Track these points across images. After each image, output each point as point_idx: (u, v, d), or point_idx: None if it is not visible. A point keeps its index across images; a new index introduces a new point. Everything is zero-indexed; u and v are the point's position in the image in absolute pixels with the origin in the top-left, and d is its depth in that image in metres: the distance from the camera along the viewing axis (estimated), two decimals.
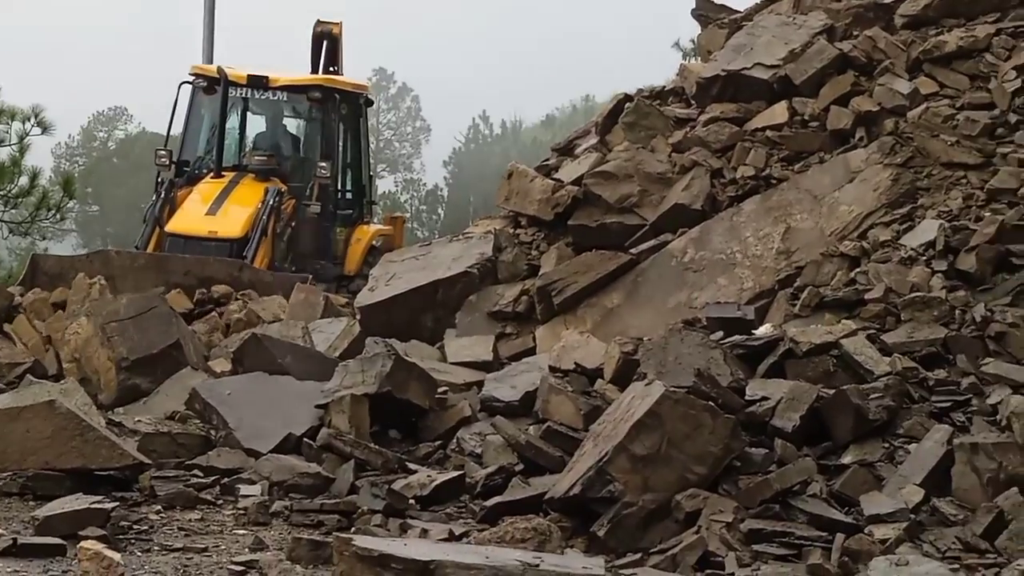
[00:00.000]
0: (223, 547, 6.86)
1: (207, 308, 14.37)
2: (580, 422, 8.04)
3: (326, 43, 19.96)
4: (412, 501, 7.59)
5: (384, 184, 70.64)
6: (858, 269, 9.48)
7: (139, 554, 6.64)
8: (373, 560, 5.66)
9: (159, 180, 18.10)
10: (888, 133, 10.50)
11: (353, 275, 18.06)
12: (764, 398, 7.55)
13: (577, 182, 11.42)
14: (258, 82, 18.69)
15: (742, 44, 11.86)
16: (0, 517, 7.20)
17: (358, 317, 11.55)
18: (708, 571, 6.40)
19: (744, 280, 10.25)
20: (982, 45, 10.66)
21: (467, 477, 7.90)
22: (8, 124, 20.20)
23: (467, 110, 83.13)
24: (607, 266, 10.78)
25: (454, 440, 8.64)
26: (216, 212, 17.17)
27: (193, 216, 17.21)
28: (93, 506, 6.91)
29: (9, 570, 6.19)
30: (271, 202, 17.13)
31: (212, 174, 17.95)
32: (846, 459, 7.29)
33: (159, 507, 7.56)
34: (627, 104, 12.05)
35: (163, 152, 18.26)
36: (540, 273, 11.13)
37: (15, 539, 6.49)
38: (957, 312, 8.63)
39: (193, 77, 18.88)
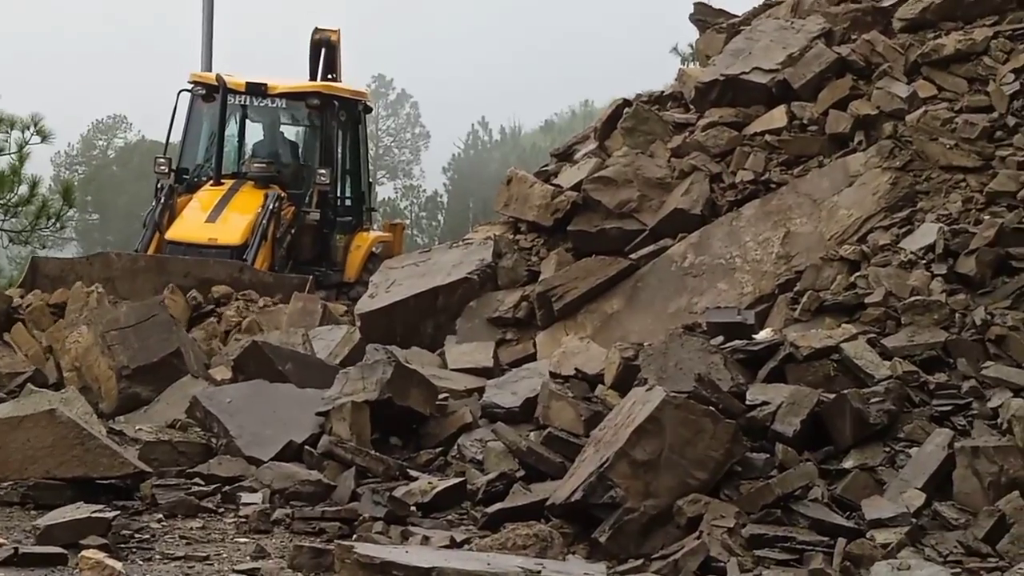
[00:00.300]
0: (225, 555, 6.85)
1: (207, 310, 14.38)
2: (581, 428, 8.03)
3: (324, 50, 19.99)
4: (413, 508, 7.58)
5: (384, 191, 70.74)
6: (858, 273, 9.47)
7: (140, 563, 6.64)
8: (375, 567, 5.66)
9: (159, 185, 18.11)
10: (887, 137, 10.50)
11: (353, 282, 18.08)
12: (765, 403, 7.55)
13: (576, 187, 11.43)
14: (257, 89, 18.71)
15: (740, 48, 11.87)
16: (1, 527, 7.20)
17: (358, 324, 11.55)
18: None
19: (744, 285, 10.25)
20: (980, 48, 10.68)
21: (468, 484, 7.89)
22: (7, 133, 20.20)
23: (466, 116, 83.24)
24: (607, 272, 10.78)
25: (455, 447, 8.63)
26: (216, 219, 17.18)
27: (193, 224, 17.21)
28: (94, 515, 6.90)
29: None
30: (271, 207, 17.15)
31: (211, 182, 17.97)
32: (847, 463, 7.29)
33: (160, 515, 7.55)
34: (626, 109, 12.06)
35: (162, 160, 18.29)
36: (540, 279, 11.14)
37: (16, 548, 6.48)
38: (957, 316, 8.62)
39: (192, 85, 18.90)
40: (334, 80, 19.79)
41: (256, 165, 18.17)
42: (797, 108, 11.15)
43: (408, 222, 55.87)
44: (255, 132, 19.53)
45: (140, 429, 9.39)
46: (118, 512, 7.24)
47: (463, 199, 70.94)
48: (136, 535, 7.06)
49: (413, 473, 8.19)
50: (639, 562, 6.60)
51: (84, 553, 6.11)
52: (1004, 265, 9.04)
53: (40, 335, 13.19)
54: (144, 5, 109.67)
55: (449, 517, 7.59)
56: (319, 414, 8.71)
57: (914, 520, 6.74)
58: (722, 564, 6.40)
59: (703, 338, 8.43)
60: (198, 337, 13.17)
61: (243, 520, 7.49)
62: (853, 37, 11.52)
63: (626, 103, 12.28)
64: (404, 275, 11.76)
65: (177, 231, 17.14)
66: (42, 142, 20.86)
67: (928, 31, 11.17)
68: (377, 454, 8.27)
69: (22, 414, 7.98)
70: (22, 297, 14.42)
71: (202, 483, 8.17)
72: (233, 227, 17.04)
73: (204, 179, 18.21)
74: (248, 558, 6.73)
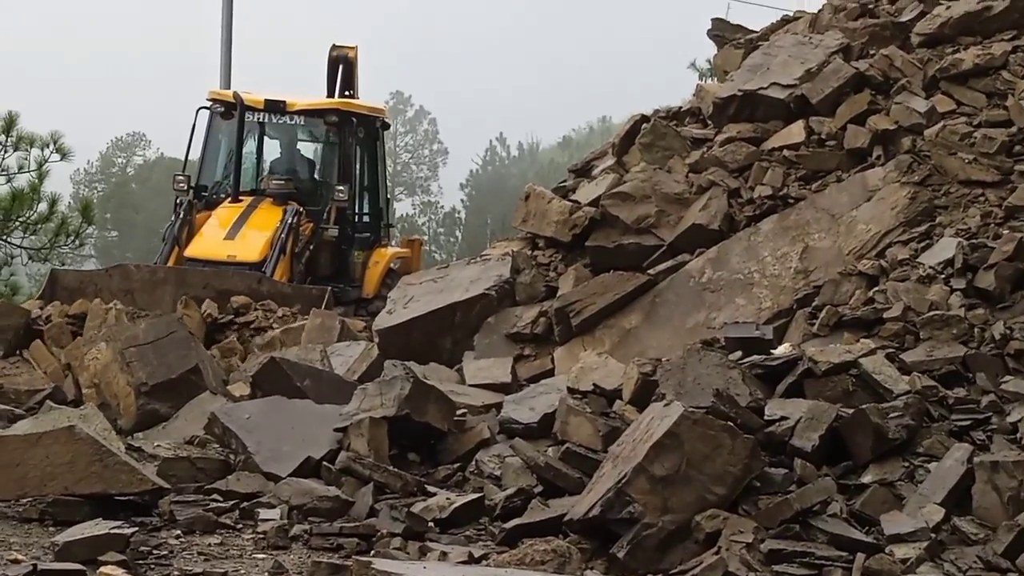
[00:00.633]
0: (243, 571, 6.85)
1: (226, 320, 14.39)
2: (599, 443, 8.03)
3: (342, 67, 20.00)
4: (431, 524, 7.57)
5: (402, 207, 70.85)
6: (876, 288, 9.46)
7: None
8: None
9: (178, 201, 18.15)
10: (905, 151, 10.49)
11: (371, 298, 18.09)
12: (783, 418, 7.54)
13: (594, 203, 11.44)
14: (275, 107, 18.74)
15: (758, 64, 11.88)
16: (20, 543, 7.21)
17: (376, 340, 11.56)
18: None
19: (762, 300, 10.24)
20: (998, 63, 10.67)
21: (486, 499, 7.89)
22: (27, 151, 20.26)
23: (484, 132, 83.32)
24: (625, 287, 10.78)
25: (473, 462, 8.63)
26: (234, 237, 17.22)
27: (212, 241, 17.25)
28: (113, 531, 6.90)
29: None
30: (290, 221, 17.20)
31: (230, 199, 18.01)
32: (866, 478, 7.27)
33: (179, 532, 7.55)
34: (644, 125, 12.07)
35: (181, 177, 18.34)
36: (558, 294, 11.14)
37: (35, 565, 6.49)
38: (976, 330, 8.61)
39: (210, 102, 18.94)
40: (352, 97, 19.81)
41: (274, 182, 18.20)
42: (815, 123, 11.15)
43: (426, 238, 55.91)
44: (273, 149, 19.56)
45: (158, 445, 9.41)
46: (136, 528, 7.24)
47: (481, 215, 70.96)
48: (154, 551, 7.07)
49: (431, 489, 8.18)
50: None
51: (102, 569, 6.12)
52: (1023, 280, 9.02)
53: (59, 352, 13.21)
54: (170, 32, 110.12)
55: (467, 533, 7.58)
56: (337, 430, 8.72)
57: (933, 535, 6.72)
58: None
59: (721, 353, 8.42)
60: (218, 355, 13.18)
61: (261, 536, 7.50)
62: (871, 52, 11.52)
63: (644, 119, 12.30)
64: (422, 291, 11.77)
65: (196, 248, 17.18)
66: (61, 160, 20.91)
67: (946, 46, 11.17)
68: (395, 470, 8.27)
69: (41, 431, 8.00)
70: (41, 308, 14.46)
71: (220, 499, 8.17)
72: (252, 244, 17.08)
73: (222, 196, 18.25)
74: (266, 574, 6.74)
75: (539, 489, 7.89)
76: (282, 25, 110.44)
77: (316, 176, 19.32)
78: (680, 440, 6.86)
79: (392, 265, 18.75)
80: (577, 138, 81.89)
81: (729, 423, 7.05)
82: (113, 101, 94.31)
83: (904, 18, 11.71)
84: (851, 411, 7.50)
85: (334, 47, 20.13)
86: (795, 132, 11.19)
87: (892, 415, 7.48)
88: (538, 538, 6.88)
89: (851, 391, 7.86)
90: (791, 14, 13.72)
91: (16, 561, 6.62)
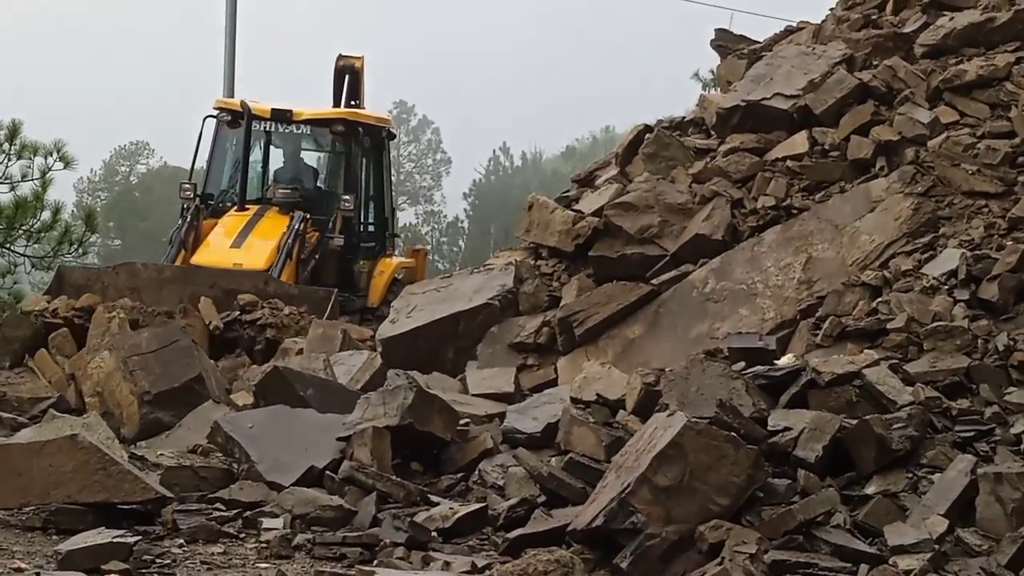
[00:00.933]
0: None
1: (232, 318, 14.39)
2: (602, 453, 8.03)
3: (348, 77, 20.03)
4: (434, 533, 7.58)
5: (405, 216, 70.76)
6: (880, 299, 9.45)
7: None
8: None
9: (184, 206, 18.17)
10: (909, 162, 10.49)
11: (376, 307, 18.10)
12: (787, 428, 7.53)
13: (598, 213, 11.44)
14: (282, 116, 18.76)
15: (762, 74, 11.88)
16: (23, 551, 7.21)
17: (379, 349, 11.56)
18: None
19: (766, 310, 10.23)
20: (1002, 74, 10.66)
21: (489, 509, 7.89)
22: (31, 159, 20.25)
23: (487, 142, 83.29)
24: (628, 297, 10.78)
25: (476, 472, 8.63)
26: (241, 245, 17.25)
27: (218, 249, 17.28)
28: (116, 540, 6.91)
29: None
30: (296, 227, 17.22)
31: (236, 207, 18.03)
32: (869, 489, 7.27)
33: (181, 541, 7.56)
34: (647, 135, 12.07)
35: (187, 185, 18.35)
36: (561, 304, 11.14)
37: (38, 573, 6.50)
38: (980, 341, 8.60)
39: (217, 111, 18.97)
40: (357, 106, 19.84)
41: (280, 191, 18.22)
42: (819, 134, 11.15)
43: (429, 248, 55.89)
44: (279, 158, 19.58)
45: (162, 454, 9.41)
46: (139, 537, 7.25)
47: (484, 225, 70.90)
48: (157, 560, 7.07)
49: (434, 498, 8.19)
50: None
51: None
52: None
53: (63, 361, 13.22)
54: (174, 41, 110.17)
55: (470, 542, 7.58)
56: (340, 439, 8.72)
57: (937, 546, 6.71)
58: None
59: (724, 364, 8.41)
60: (224, 366, 13.18)
61: (264, 545, 7.50)
62: (875, 63, 11.51)
63: (647, 129, 12.30)
64: (425, 301, 11.77)
65: (203, 256, 17.20)
66: (65, 168, 20.89)
67: (950, 57, 11.17)
68: (398, 479, 8.27)
69: (44, 439, 8.02)
70: (48, 303, 14.48)
71: (223, 508, 8.18)
72: (258, 252, 17.10)
73: (228, 205, 18.27)
74: None
75: (542, 499, 7.89)
76: (286, 35, 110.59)
77: (322, 185, 19.35)
78: (683, 450, 6.86)
79: (397, 275, 18.77)
80: (580, 148, 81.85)
81: (732, 434, 7.05)
82: (117, 109, 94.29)
83: (907, 29, 11.70)
84: (854, 422, 7.49)
85: (340, 57, 20.16)
86: (798, 143, 11.18)
87: (896, 426, 7.48)
88: (541, 548, 6.88)
89: (854, 402, 7.86)
90: (794, 25, 13.72)
91: (19, 570, 6.62)
